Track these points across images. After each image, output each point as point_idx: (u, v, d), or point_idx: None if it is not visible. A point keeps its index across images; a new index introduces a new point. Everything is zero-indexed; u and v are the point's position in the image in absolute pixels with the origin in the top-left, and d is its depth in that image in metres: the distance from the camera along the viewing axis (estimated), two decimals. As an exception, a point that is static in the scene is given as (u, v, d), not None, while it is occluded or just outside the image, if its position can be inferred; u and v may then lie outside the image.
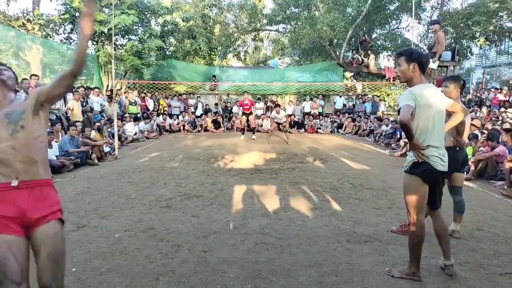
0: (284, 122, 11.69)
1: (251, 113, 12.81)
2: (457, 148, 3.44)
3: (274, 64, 21.94)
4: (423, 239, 2.67)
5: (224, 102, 17.19)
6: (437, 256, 3.12)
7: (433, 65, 7.99)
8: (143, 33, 15.58)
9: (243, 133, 12.91)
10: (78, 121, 8.59)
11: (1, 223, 1.68)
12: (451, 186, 3.58)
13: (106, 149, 8.35)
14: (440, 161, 2.62)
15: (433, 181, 2.64)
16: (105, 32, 13.63)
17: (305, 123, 15.47)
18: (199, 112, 16.17)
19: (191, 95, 17.15)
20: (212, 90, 17.66)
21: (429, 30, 9.89)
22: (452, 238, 3.38)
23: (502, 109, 12.05)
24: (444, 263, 2.82)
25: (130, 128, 11.71)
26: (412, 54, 2.66)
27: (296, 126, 15.19)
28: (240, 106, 14.09)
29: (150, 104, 14.87)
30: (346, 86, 17.25)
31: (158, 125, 13.95)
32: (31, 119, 1.77)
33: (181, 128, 15.21)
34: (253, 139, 12.29)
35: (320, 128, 15.36)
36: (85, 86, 11.27)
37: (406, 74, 2.68)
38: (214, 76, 18.03)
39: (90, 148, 7.75)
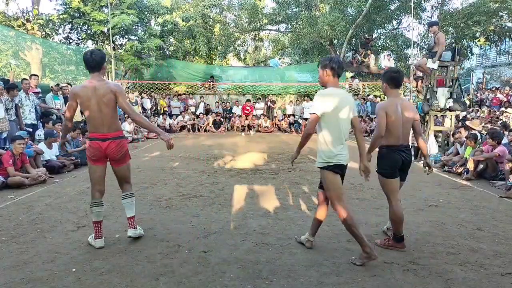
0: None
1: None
2: None
3: (275, 64, 21.86)
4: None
5: (223, 102, 17.13)
6: (437, 256, 3.12)
7: (433, 65, 7.97)
8: (142, 33, 15.57)
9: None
10: (79, 122, 8.56)
11: None
12: None
13: None
14: None
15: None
16: (105, 32, 13.63)
17: (305, 123, 15.48)
18: (200, 112, 16.11)
19: (191, 95, 17.12)
20: (209, 89, 17.56)
21: (429, 31, 9.87)
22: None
23: (502, 109, 12.04)
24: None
25: (127, 128, 11.69)
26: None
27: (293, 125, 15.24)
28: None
29: (147, 104, 14.78)
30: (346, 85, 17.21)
31: (158, 125, 13.92)
32: None
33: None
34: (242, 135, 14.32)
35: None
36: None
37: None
38: (212, 76, 17.90)
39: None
